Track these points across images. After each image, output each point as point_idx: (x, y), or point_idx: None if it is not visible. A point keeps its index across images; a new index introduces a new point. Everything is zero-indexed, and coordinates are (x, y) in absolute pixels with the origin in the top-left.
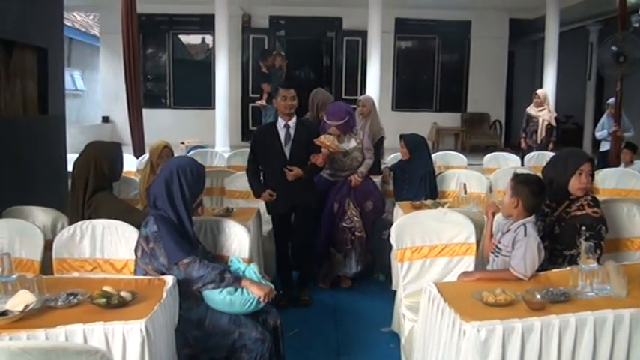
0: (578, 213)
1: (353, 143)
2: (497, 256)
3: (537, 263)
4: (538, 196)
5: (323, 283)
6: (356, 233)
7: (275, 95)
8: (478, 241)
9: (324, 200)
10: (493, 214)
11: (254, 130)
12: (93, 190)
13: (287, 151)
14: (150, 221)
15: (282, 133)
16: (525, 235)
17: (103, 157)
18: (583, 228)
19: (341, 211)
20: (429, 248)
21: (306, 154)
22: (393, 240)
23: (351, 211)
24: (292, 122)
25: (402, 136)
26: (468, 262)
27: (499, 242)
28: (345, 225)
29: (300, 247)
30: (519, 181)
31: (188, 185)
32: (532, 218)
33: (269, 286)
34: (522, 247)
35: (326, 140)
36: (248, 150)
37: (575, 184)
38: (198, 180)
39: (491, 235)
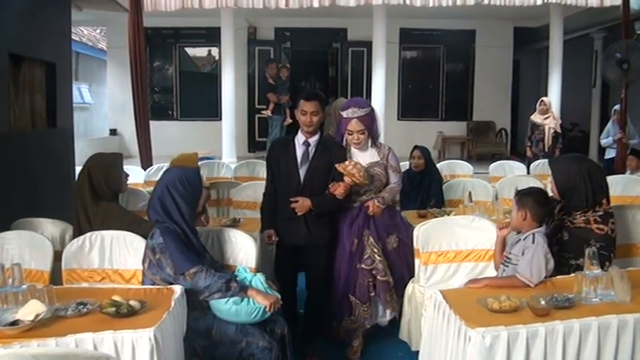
0: (583, 225)
1: (374, 157)
2: (507, 266)
3: (544, 271)
4: (544, 205)
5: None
6: (378, 277)
7: (293, 106)
8: None
9: (336, 234)
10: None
11: (263, 141)
12: (92, 198)
13: (302, 172)
14: (156, 233)
15: (299, 151)
16: (533, 242)
17: (95, 167)
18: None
19: (360, 247)
20: (455, 253)
21: (324, 179)
22: (417, 243)
23: (371, 247)
24: (313, 140)
25: (416, 147)
26: (489, 269)
27: (510, 253)
28: (364, 267)
29: (310, 290)
30: (523, 193)
31: (182, 197)
32: (542, 228)
33: (275, 296)
34: (530, 254)
35: (353, 168)
36: (255, 161)
37: None
38: (192, 189)
39: (502, 250)
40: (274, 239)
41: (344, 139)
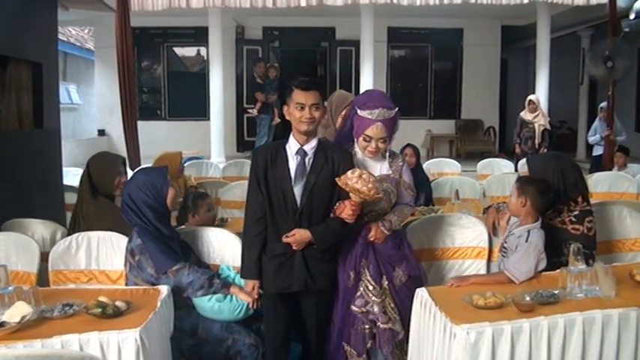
0: (559, 226)
1: (385, 169)
2: (504, 256)
3: (533, 271)
4: (545, 195)
5: None
6: (380, 324)
7: (286, 100)
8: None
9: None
10: (493, 224)
11: (252, 140)
12: (90, 192)
13: (298, 192)
14: (134, 235)
15: (292, 163)
16: (527, 241)
17: (94, 164)
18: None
19: (356, 283)
20: (442, 251)
21: (328, 199)
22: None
23: (365, 284)
24: (311, 146)
25: (408, 145)
26: (480, 266)
27: (505, 242)
28: (354, 308)
29: (307, 347)
30: (525, 180)
31: (144, 202)
32: (538, 224)
33: (258, 293)
34: (520, 252)
35: (358, 181)
36: (243, 160)
37: None
38: (153, 193)
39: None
40: (258, 291)
41: (355, 144)
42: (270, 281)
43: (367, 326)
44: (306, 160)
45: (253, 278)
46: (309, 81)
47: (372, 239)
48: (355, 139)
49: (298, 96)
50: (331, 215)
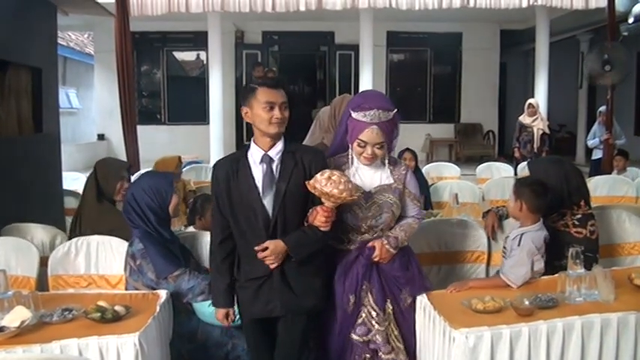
0: (562, 229)
1: (386, 178)
2: (505, 259)
3: (530, 274)
4: (541, 197)
5: None
6: (381, 354)
7: (245, 102)
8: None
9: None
10: (493, 227)
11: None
12: (96, 196)
13: (268, 204)
14: (135, 240)
15: (257, 173)
16: (519, 245)
17: (100, 168)
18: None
19: (356, 308)
20: (441, 255)
21: (302, 207)
22: None
23: (368, 309)
24: (276, 151)
25: (407, 149)
26: (479, 270)
27: (505, 244)
28: (355, 337)
29: None
30: (520, 183)
31: (147, 205)
32: (532, 227)
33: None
34: (515, 257)
35: (327, 183)
36: None
37: None
38: (158, 198)
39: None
40: (232, 318)
41: (350, 150)
42: (248, 308)
43: (368, 355)
44: (273, 166)
45: (224, 307)
46: (277, 78)
47: (376, 259)
48: (350, 145)
49: (266, 94)
50: (305, 224)
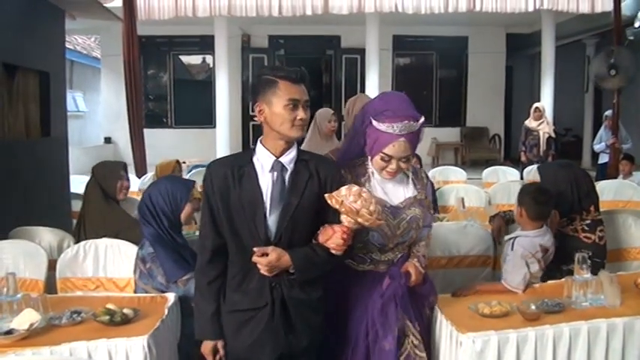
0: (571, 234)
1: (410, 190)
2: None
3: (528, 275)
4: (542, 204)
5: None
6: None
7: (261, 97)
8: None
9: (343, 320)
10: (500, 231)
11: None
12: (103, 197)
13: (273, 221)
14: (145, 243)
15: (265, 181)
16: (512, 249)
17: (98, 171)
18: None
19: (399, 341)
20: (448, 259)
21: (312, 227)
22: None
23: (411, 338)
24: (290, 158)
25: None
26: (485, 274)
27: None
28: None
29: None
30: (523, 190)
31: (161, 209)
32: (528, 232)
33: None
34: (510, 262)
35: (357, 199)
36: None
37: None
38: (172, 204)
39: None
40: (222, 354)
41: (370, 163)
42: (232, 342)
43: None
44: (285, 175)
45: (212, 338)
46: (300, 71)
47: (414, 283)
48: (369, 157)
49: (290, 90)
50: (313, 241)
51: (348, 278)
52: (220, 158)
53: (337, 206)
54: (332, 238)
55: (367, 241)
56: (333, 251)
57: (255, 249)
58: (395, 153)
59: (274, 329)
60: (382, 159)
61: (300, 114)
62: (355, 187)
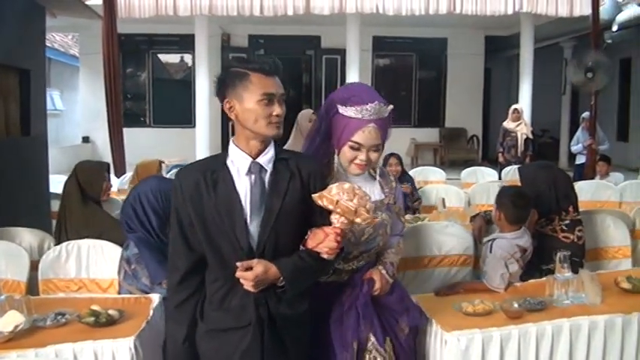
0: (550, 233)
1: (377, 192)
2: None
3: (507, 274)
4: (520, 208)
5: None
6: None
7: (230, 92)
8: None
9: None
10: (480, 231)
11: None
12: (81, 199)
13: (254, 228)
14: (130, 244)
15: (242, 186)
16: (490, 251)
17: (82, 171)
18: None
19: (359, 355)
20: (429, 259)
21: (298, 232)
22: None
23: (373, 353)
24: (268, 157)
25: (392, 154)
26: (465, 273)
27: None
28: None
29: None
30: (501, 193)
31: (152, 208)
32: (506, 235)
33: None
34: (489, 264)
35: (351, 196)
36: None
37: None
38: (163, 202)
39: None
40: None
41: (336, 160)
42: None
43: None
44: (265, 178)
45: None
46: (274, 62)
47: (377, 292)
48: (335, 151)
49: (263, 83)
50: (301, 247)
51: (309, 290)
52: (190, 164)
53: (331, 206)
54: (324, 241)
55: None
56: (326, 256)
57: (238, 263)
58: (365, 140)
59: (258, 351)
60: (351, 147)
61: (276, 109)
62: (347, 184)
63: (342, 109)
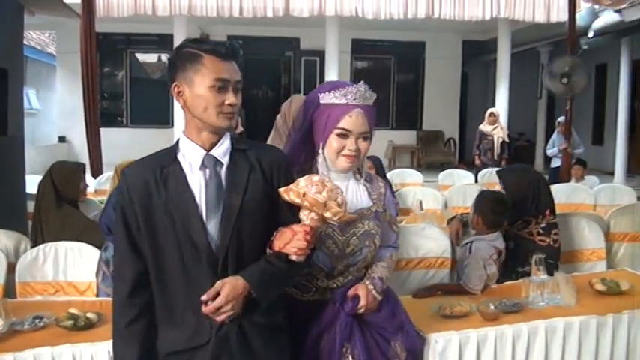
0: (527, 236)
1: (364, 198)
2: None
3: (485, 276)
4: (498, 214)
5: None
6: None
7: (179, 74)
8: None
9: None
10: (457, 234)
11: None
12: (55, 202)
13: (213, 229)
14: (109, 245)
15: (196, 183)
16: (470, 252)
17: (58, 172)
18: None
19: None
20: (406, 261)
21: (263, 232)
22: None
23: None
24: (223, 150)
25: (369, 157)
26: (443, 275)
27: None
28: None
29: None
30: (478, 196)
31: None
32: (484, 237)
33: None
34: (469, 266)
35: (321, 188)
36: None
37: None
38: None
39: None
40: None
41: (319, 158)
42: None
43: None
44: (222, 172)
45: None
46: (231, 45)
47: (361, 310)
48: (320, 145)
49: (217, 67)
50: (267, 251)
51: (290, 310)
52: (136, 161)
53: (298, 200)
54: (292, 241)
55: (311, 264)
56: (294, 257)
57: (203, 297)
58: (353, 126)
59: None
60: (339, 135)
61: (230, 98)
62: (316, 177)
63: (324, 98)
